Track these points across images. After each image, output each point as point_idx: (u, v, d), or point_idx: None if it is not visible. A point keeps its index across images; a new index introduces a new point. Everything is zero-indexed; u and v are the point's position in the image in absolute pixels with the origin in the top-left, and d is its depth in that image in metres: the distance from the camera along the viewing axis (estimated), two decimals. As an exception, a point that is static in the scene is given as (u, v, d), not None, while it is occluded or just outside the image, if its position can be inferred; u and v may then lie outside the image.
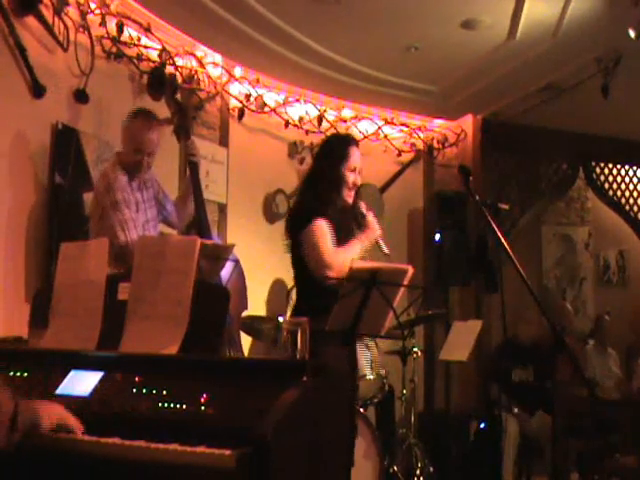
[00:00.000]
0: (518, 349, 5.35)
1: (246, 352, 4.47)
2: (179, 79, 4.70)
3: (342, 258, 3.04)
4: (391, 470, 4.13)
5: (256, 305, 5.19)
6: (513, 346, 5.36)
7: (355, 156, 3.26)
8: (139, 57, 4.45)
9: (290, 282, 4.66)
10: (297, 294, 3.31)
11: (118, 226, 3.34)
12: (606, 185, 7.11)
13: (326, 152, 3.34)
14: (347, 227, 3.21)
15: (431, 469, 4.38)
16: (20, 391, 1.98)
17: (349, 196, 3.25)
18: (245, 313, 4.37)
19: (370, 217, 3.24)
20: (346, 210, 3.24)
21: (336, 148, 3.32)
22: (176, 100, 4.00)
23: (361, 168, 3.31)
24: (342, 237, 3.15)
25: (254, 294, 5.03)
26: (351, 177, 3.23)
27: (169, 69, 4.58)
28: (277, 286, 5.38)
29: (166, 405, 1.87)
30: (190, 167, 3.79)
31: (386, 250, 3.28)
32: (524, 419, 5.08)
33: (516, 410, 5.11)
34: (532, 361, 5.20)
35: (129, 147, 3.52)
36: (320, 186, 3.21)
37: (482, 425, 5.29)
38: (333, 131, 5.82)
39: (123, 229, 3.34)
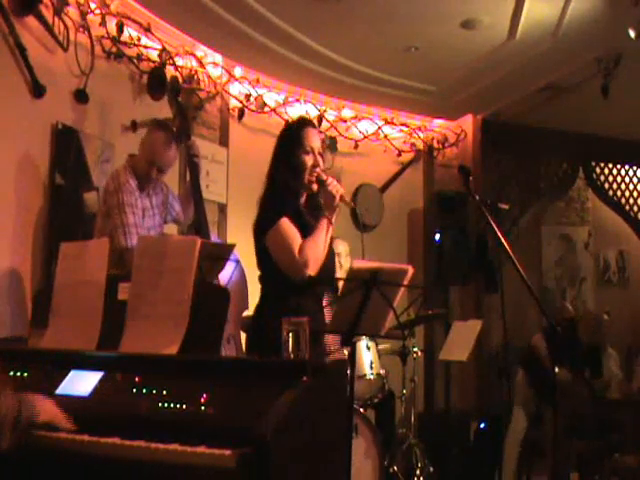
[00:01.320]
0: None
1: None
2: (179, 79, 4.69)
3: (313, 249, 2.91)
4: (391, 470, 4.13)
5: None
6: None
7: (310, 138, 3.03)
8: (139, 57, 4.45)
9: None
10: (264, 295, 3.10)
11: (120, 229, 3.33)
12: (606, 185, 7.12)
13: (281, 139, 3.13)
14: (313, 216, 3.02)
15: (431, 469, 4.37)
16: (20, 391, 1.98)
17: (311, 182, 3.02)
18: (245, 313, 4.38)
19: (329, 185, 2.98)
20: (310, 197, 3.06)
21: (290, 133, 3.12)
22: (178, 102, 3.99)
23: (321, 150, 3.09)
24: (310, 228, 2.98)
25: (255, 294, 5.01)
26: (309, 160, 3.01)
27: (170, 70, 4.58)
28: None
29: (166, 405, 1.87)
30: (191, 168, 3.79)
31: (351, 203, 3.09)
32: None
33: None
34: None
35: (144, 157, 3.52)
36: (279, 176, 3.03)
37: (482, 425, 5.29)
38: (333, 131, 5.82)
39: (125, 233, 3.33)
